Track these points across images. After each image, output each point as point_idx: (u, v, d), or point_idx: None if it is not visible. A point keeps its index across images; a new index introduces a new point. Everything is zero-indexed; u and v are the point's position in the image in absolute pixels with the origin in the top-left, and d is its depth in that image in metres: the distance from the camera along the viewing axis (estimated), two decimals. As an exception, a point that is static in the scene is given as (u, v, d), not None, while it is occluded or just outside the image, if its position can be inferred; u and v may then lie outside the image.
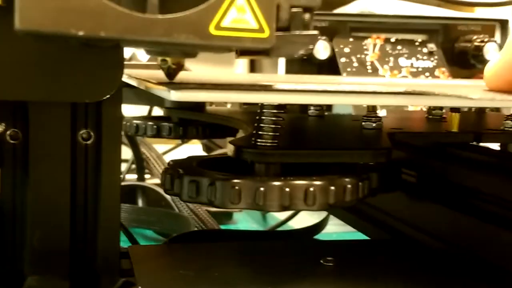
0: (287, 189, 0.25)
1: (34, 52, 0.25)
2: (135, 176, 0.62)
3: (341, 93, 0.24)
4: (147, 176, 0.63)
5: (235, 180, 0.25)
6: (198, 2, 0.19)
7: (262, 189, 0.25)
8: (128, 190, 0.56)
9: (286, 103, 0.26)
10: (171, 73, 0.22)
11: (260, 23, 0.19)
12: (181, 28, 0.18)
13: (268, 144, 0.27)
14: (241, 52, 0.22)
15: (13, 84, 0.25)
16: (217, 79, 0.31)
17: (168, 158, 0.66)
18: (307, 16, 0.20)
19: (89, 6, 0.18)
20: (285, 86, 0.23)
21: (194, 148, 0.70)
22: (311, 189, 0.25)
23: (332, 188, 0.25)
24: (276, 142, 0.27)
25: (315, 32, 0.20)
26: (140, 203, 0.57)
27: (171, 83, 0.23)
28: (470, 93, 0.24)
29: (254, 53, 0.21)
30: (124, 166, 0.63)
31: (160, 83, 0.23)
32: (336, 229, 0.56)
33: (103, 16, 0.18)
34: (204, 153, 0.72)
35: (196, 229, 0.52)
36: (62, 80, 0.25)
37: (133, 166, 0.62)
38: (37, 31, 0.17)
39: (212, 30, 0.19)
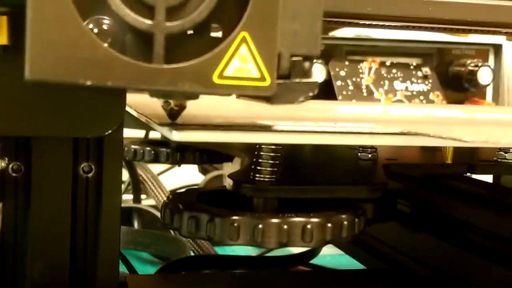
0: (285, 227, 0.25)
1: (37, 89, 0.25)
2: (130, 196, 0.62)
3: (338, 134, 0.24)
4: (143, 196, 0.63)
5: (234, 217, 0.25)
6: (202, 52, 0.19)
7: (260, 226, 0.25)
8: (124, 212, 0.57)
9: (285, 143, 0.27)
10: (173, 114, 0.23)
11: (261, 72, 0.20)
12: (185, 77, 0.19)
13: (266, 180, 0.28)
14: (241, 94, 0.23)
15: (16, 120, 0.25)
16: (215, 112, 0.32)
17: (164, 178, 0.67)
18: (307, 64, 0.21)
19: (97, 57, 0.18)
20: (284, 127, 0.24)
21: (189, 169, 0.71)
22: (309, 226, 0.25)
23: (329, 225, 0.26)
24: (274, 177, 0.28)
25: (315, 80, 0.21)
26: (136, 225, 0.57)
27: (172, 122, 0.24)
28: (464, 135, 0.25)
29: (255, 98, 0.22)
30: (120, 187, 0.63)
31: (162, 124, 0.23)
32: (330, 251, 0.56)
33: (110, 66, 0.18)
34: (200, 174, 0.73)
35: (191, 251, 0.52)
36: (64, 115, 0.26)
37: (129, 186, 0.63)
38: (46, 81, 0.18)
39: (215, 79, 0.19)
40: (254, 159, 0.28)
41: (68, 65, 0.18)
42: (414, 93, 0.71)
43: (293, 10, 0.20)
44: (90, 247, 0.28)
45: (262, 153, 0.28)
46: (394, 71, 0.72)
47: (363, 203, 0.31)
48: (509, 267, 0.31)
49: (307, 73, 0.21)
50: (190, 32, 0.20)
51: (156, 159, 0.45)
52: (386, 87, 0.70)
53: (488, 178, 0.42)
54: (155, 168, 0.65)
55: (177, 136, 0.22)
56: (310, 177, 0.32)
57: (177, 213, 0.27)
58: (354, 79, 0.69)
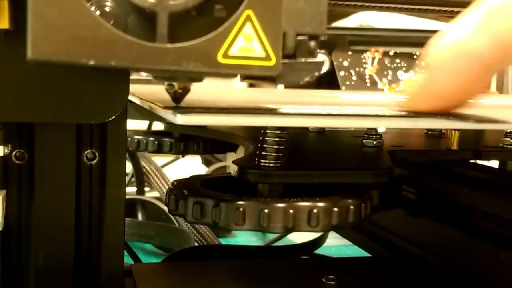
0: (291, 211, 0.25)
1: (40, 74, 0.25)
2: (134, 188, 0.62)
3: (344, 116, 0.24)
4: (146, 189, 0.63)
5: (240, 202, 0.25)
6: (206, 31, 0.19)
7: (266, 210, 0.25)
8: (128, 203, 0.56)
9: (290, 126, 0.27)
10: (177, 98, 0.23)
11: (267, 51, 0.19)
12: (189, 57, 0.19)
13: (271, 165, 0.27)
14: (246, 76, 0.22)
15: (19, 106, 0.25)
16: (220, 98, 0.31)
17: (167, 170, 0.67)
18: (312, 43, 0.20)
19: (100, 36, 0.18)
20: (290, 110, 0.23)
21: (193, 161, 0.70)
22: (315, 210, 0.25)
23: (336, 209, 0.26)
24: (279, 162, 0.28)
25: (321, 59, 0.20)
26: (139, 216, 0.57)
27: (177, 106, 0.24)
28: (471, 116, 0.25)
29: (259, 78, 0.22)
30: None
31: (166, 107, 0.23)
32: (336, 242, 0.56)
33: (113, 46, 0.18)
34: (203, 166, 0.72)
35: (195, 243, 0.52)
36: (68, 101, 0.26)
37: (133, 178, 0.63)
38: (48, 61, 0.18)
39: (220, 58, 0.19)
40: (259, 145, 0.28)
41: (70, 45, 0.18)
42: (418, 83, 0.71)
43: (298, -11, 0.20)
44: (95, 234, 0.28)
45: (266, 138, 0.27)
46: (397, 61, 0.71)
47: (369, 189, 0.31)
48: (517, 251, 0.30)
49: (312, 53, 0.20)
50: (193, 13, 0.19)
51: (159, 149, 0.44)
52: (389, 77, 0.70)
53: (494, 164, 0.42)
54: (159, 160, 0.65)
55: (181, 119, 0.22)
56: (315, 162, 0.32)
57: (182, 199, 0.26)
58: (357, 69, 0.69)
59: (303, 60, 0.20)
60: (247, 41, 0.19)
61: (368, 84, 0.68)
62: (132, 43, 0.18)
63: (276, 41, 0.19)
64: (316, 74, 0.20)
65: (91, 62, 0.18)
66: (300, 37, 0.20)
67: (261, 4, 0.19)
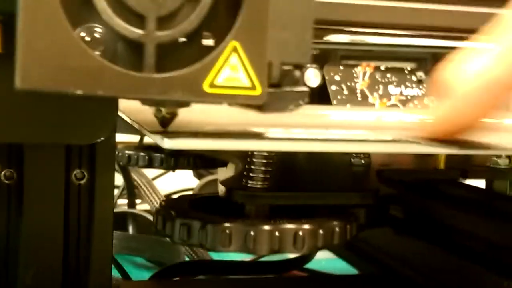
0: (277, 233, 0.25)
1: (29, 96, 0.25)
2: (125, 201, 0.62)
3: (330, 141, 0.24)
4: (138, 201, 0.63)
5: (226, 224, 0.25)
6: (193, 60, 0.19)
7: (252, 233, 0.25)
8: (119, 217, 0.57)
9: (277, 151, 0.27)
10: (165, 122, 0.23)
11: (252, 81, 0.20)
12: (176, 86, 0.19)
13: (258, 186, 0.28)
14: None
15: (8, 127, 0.25)
16: (207, 119, 0.32)
17: (159, 183, 0.67)
18: (297, 73, 0.21)
19: (88, 66, 0.18)
20: (276, 134, 0.24)
21: (184, 174, 0.70)
22: (300, 233, 0.26)
23: (321, 231, 0.26)
24: (266, 184, 0.28)
25: (305, 88, 0.21)
26: (130, 230, 0.57)
27: (165, 130, 0.24)
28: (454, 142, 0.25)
29: (246, 106, 0.22)
30: (115, 192, 0.63)
31: (154, 131, 0.23)
32: (326, 256, 0.56)
33: (101, 76, 0.18)
34: (195, 178, 0.73)
35: (186, 256, 0.52)
36: (57, 122, 0.26)
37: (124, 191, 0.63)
38: (37, 90, 0.18)
39: (206, 88, 0.19)
40: (247, 166, 0.28)
41: (58, 74, 0.18)
42: (409, 97, 0.71)
43: (283, 19, 0.20)
44: (82, 253, 0.28)
45: (254, 159, 0.28)
46: (388, 75, 0.72)
47: (355, 208, 0.31)
48: (502, 273, 0.31)
49: (297, 82, 0.21)
50: (181, 43, 0.20)
51: (150, 165, 0.45)
52: (380, 92, 0.70)
53: (481, 183, 0.42)
54: (150, 173, 0.65)
55: (168, 143, 0.22)
56: (303, 183, 0.32)
57: (169, 220, 0.27)
58: (348, 83, 0.69)
59: (288, 89, 0.21)
60: (233, 71, 0.20)
61: (360, 99, 0.69)
62: (119, 73, 0.19)
63: (262, 71, 0.20)
64: (301, 103, 0.21)
65: (79, 92, 0.18)
66: (285, 67, 0.20)
67: (246, 35, 0.19)
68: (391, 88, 0.71)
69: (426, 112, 0.25)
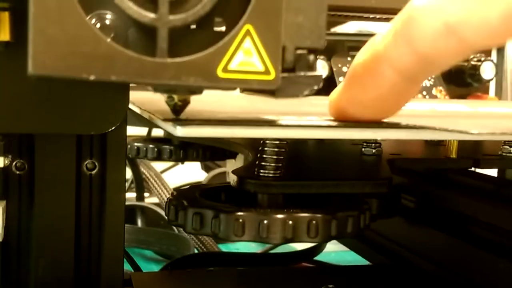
0: (290, 222, 0.25)
1: (40, 86, 0.25)
2: (134, 194, 0.62)
3: (343, 128, 0.24)
4: (146, 194, 0.63)
5: (239, 213, 0.25)
6: (206, 45, 0.19)
7: (265, 222, 0.25)
8: (127, 210, 0.56)
9: (289, 138, 0.27)
10: (177, 110, 0.23)
11: (266, 66, 0.19)
12: (189, 72, 0.19)
13: (270, 175, 0.27)
14: (245, 89, 0.22)
15: (19, 117, 0.25)
16: (219, 108, 0.31)
17: (167, 176, 0.67)
18: (311, 57, 0.20)
19: (100, 51, 0.18)
20: (289, 121, 0.23)
21: (192, 167, 0.70)
22: (314, 221, 0.25)
23: (335, 220, 0.26)
24: (278, 172, 0.28)
25: (320, 73, 0.20)
26: (139, 223, 0.57)
27: (176, 118, 0.24)
28: (469, 127, 0.25)
29: (258, 91, 0.22)
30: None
31: (166, 119, 0.23)
32: (335, 248, 0.56)
33: (113, 61, 0.18)
34: (203, 171, 0.72)
35: (195, 249, 0.52)
36: (67, 112, 0.26)
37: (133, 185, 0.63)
38: (49, 76, 0.18)
39: (219, 72, 0.19)
40: (258, 155, 0.28)
41: (71, 60, 0.18)
42: (417, 88, 0.71)
43: (297, 3, 0.20)
44: (94, 244, 0.28)
45: (266, 148, 0.27)
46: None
47: (368, 198, 0.31)
48: (515, 261, 0.30)
49: (311, 66, 0.20)
50: (193, 26, 0.19)
51: (159, 157, 0.45)
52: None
53: (493, 172, 0.42)
54: (158, 166, 0.65)
55: (181, 131, 0.22)
56: (315, 172, 0.32)
57: (181, 210, 0.26)
58: (356, 75, 0.69)
59: (302, 73, 0.20)
60: (246, 55, 0.19)
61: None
62: (132, 58, 0.18)
63: (275, 55, 0.19)
64: (315, 87, 0.20)
65: (92, 77, 0.18)
66: (299, 51, 0.20)
67: (260, 19, 0.19)
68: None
69: (331, 94, 0.24)
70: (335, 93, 0.24)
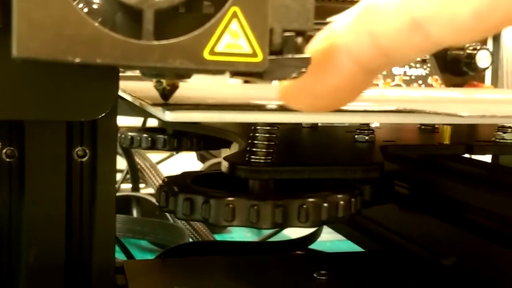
0: (281, 207, 0.25)
1: (29, 71, 0.25)
2: (129, 185, 0.62)
3: (333, 112, 0.24)
4: (141, 185, 0.63)
5: (229, 198, 0.25)
6: (192, 27, 0.19)
7: (255, 207, 0.25)
8: (122, 200, 0.56)
9: (279, 122, 0.27)
10: (166, 95, 0.23)
11: (253, 48, 0.19)
12: (176, 54, 0.19)
13: (261, 161, 0.27)
14: (234, 73, 0.22)
15: (8, 104, 0.25)
16: (210, 95, 0.31)
17: (162, 167, 0.67)
18: (299, 39, 0.20)
19: (85, 34, 0.18)
20: (278, 106, 0.23)
21: (188, 157, 0.70)
22: (304, 206, 0.25)
23: (325, 205, 0.26)
24: (269, 158, 0.28)
25: (308, 55, 0.20)
26: (134, 213, 0.57)
27: (166, 103, 0.24)
28: (460, 110, 0.25)
29: (247, 75, 0.22)
30: (118, 176, 0.63)
31: (155, 104, 0.23)
32: (330, 237, 0.56)
33: (99, 44, 0.18)
34: (199, 162, 0.72)
35: (190, 239, 0.52)
36: (57, 98, 0.26)
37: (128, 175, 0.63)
38: (34, 59, 0.18)
39: (206, 55, 0.19)
40: (250, 141, 0.28)
41: (56, 43, 0.18)
42: (413, 77, 0.70)
43: (285, -15, 0.20)
44: (85, 231, 0.28)
45: (257, 134, 0.27)
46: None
47: (361, 184, 0.31)
48: (508, 246, 0.31)
49: (299, 49, 0.20)
50: (180, 10, 0.19)
51: (153, 146, 0.44)
52: (384, 72, 0.70)
53: (487, 158, 0.42)
54: (154, 157, 0.65)
55: (170, 116, 0.22)
56: (307, 158, 0.32)
57: (172, 196, 0.26)
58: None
59: (290, 56, 0.20)
60: (233, 37, 0.19)
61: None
62: (117, 40, 0.18)
63: (263, 37, 0.19)
64: (304, 70, 0.20)
65: (77, 60, 0.18)
66: (287, 33, 0.20)
67: (247, 1, 0.19)
68: (395, 68, 0.71)
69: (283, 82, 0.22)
70: (287, 84, 0.22)
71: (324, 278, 0.30)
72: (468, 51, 0.71)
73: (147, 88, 0.32)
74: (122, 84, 0.27)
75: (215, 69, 0.19)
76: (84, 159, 0.28)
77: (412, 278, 0.32)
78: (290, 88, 0.22)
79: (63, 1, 0.18)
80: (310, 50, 0.21)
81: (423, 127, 0.43)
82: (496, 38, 0.75)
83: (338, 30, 0.21)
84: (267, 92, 0.38)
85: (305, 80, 0.21)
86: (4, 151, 0.27)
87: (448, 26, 0.18)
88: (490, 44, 0.75)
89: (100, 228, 0.28)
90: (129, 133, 0.45)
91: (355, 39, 0.20)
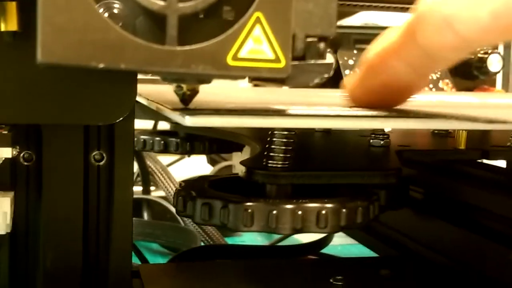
0: (300, 212, 0.25)
1: (48, 76, 0.25)
2: (140, 188, 0.62)
3: (352, 118, 0.24)
4: (152, 188, 0.63)
5: (248, 203, 0.25)
6: (215, 33, 0.19)
7: (274, 212, 0.25)
8: (133, 203, 0.56)
9: (299, 128, 0.26)
10: (186, 99, 0.22)
11: (276, 53, 0.19)
12: (199, 59, 0.19)
13: (279, 166, 0.27)
14: (255, 78, 0.22)
15: (27, 108, 0.25)
16: (227, 98, 0.31)
17: (173, 170, 0.66)
18: (321, 45, 0.20)
19: (109, 39, 0.18)
20: (298, 111, 0.23)
21: (198, 160, 0.70)
22: (323, 212, 0.25)
23: (344, 210, 0.26)
24: (287, 163, 0.27)
25: (330, 61, 0.20)
26: (145, 216, 0.57)
27: (185, 107, 0.24)
28: (480, 115, 0.24)
29: (269, 80, 0.22)
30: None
31: (175, 108, 0.23)
32: (342, 241, 0.56)
33: (122, 49, 0.18)
34: (209, 165, 0.72)
35: (201, 242, 0.52)
36: (75, 102, 0.26)
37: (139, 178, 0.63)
38: (58, 64, 0.18)
39: (229, 61, 0.19)
40: (267, 145, 0.28)
41: (80, 48, 0.18)
42: (423, 81, 0.70)
43: (307, -10, 0.20)
44: (102, 235, 0.28)
45: (274, 138, 0.27)
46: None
47: (376, 189, 0.31)
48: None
49: (322, 54, 0.20)
50: (203, 15, 0.19)
51: (165, 149, 0.44)
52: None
53: (502, 163, 0.42)
54: (164, 159, 0.65)
55: (190, 121, 0.21)
56: (323, 163, 0.32)
57: (190, 200, 0.26)
58: (362, 67, 0.69)
59: (312, 61, 0.20)
60: (256, 43, 0.19)
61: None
62: (141, 45, 0.18)
63: (286, 43, 0.19)
64: (326, 76, 0.20)
65: (101, 65, 0.18)
66: (309, 39, 0.20)
67: (270, 6, 0.19)
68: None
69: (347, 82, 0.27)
70: (350, 80, 0.26)
71: (340, 283, 0.30)
72: (479, 55, 0.71)
73: (162, 91, 0.32)
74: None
75: (239, 75, 0.19)
76: (101, 163, 0.28)
77: (427, 284, 0.31)
78: (355, 87, 0.25)
79: (87, 6, 0.18)
80: (370, 52, 0.25)
81: (437, 131, 0.43)
82: (507, 42, 0.75)
83: (392, 33, 0.24)
84: (284, 96, 0.38)
85: (362, 75, 0.25)
86: (21, 155, 0.27)
87: (471, 25, 0.20)
88: (501, 48, 0.74)
89: (117, 233, 0.28)
90: (142, 136, 0.45)
91: (402, 42, 0.23)
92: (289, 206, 0.25)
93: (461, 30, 0.21)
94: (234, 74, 0.19)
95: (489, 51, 0.71)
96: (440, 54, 0.22)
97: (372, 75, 0.24)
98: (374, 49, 0.24)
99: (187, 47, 0.19)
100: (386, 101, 0.25)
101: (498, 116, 0.25)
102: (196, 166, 0.71)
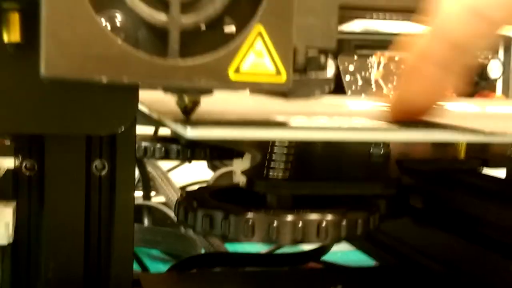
0: (300, 224, 0.25)
1: (50, 87, 0.25)
2: (140, 193, 0.62)
3: (354, 130, 0.24)
4: (153, 193, 0.63)
5: (249, 215, 0.25)
6: (215, 46, 0.19)
7: (275, 223, 0.25)
8: (134, 209, 0.56)
9: (300, 140, 0.27)
10: (187, 111, 0.23)
11: (277, 67, 0.19)
12: (201, 73, 0.19)
13: (279, 176, 0.27)
14: (256, 90, 0.22)
15: (29, 118, 0.25)
16: (227, 108, 0.31)
17: (174, 175, 0.66)
18: (323, 58, 0.20)
19: (112, 53, 0.18)
20: (300, 123, 0.23)
21: (199, 166, 0.70)
22: (324, 223, 0.25)
23: (344, 222, 0.26)
24: (287, 174, 0.28)
25: (331, 76, 0.20)
26: (146, 222, 0.57)
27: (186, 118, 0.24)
28: (480, 127, 0.24)
29: (270, 93, 0.22)
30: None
31: (176, 119, 0.23)
32: (342, 248, 0.56)
33: (125, 63, 0.18)
34: (209, 170, 0.72)
35: (202, 249, 0.52)
36: (77, 113, 0.26)
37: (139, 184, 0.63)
38: (62, 78, 0.18)
39: (231, 74, 0.19)
40: (267, 156, 0.28)
41: (83, 62, 0.18)
42: (423, 87, 0.70)
43: (309, 4, 0.20)
44: (104, 245, 0.28)
45: (275, 149, 0.27)
46: (403, 66, 0.71)
47: (376, 199, 0.31)
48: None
49: (323, 67, 0.20)
50: (204, 28, 0.19)
51: (166, 156, 0.45)
52: (395, 82, 0.70)
53: (502, 173, 0.42)
54: (165, 164, 0.65)
55: (191, 133, 0.22)
56: (323, 173, 0.32)
57: (191, 211, 0.26)
58: (363, 73, 0.69)
59: (313, 75, 0.20)
60: (258, 57, 0.19)
61: (374, 89, 0.68)
62: (143, 59, 0.18)
63: (287, 56, 0.19)
64: (327, 90, 0.20)
65: (104, 79, 0.18)
66: (310, 52, 0.20)
67: (271, 20, 0.19)
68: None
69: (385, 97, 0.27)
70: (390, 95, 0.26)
71: (340, 293, 0.30)
72: (479, 61, 0.71)
73: (162, 98, 0.32)
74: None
75: (240, 88, 0.19)
76: (103, 173, 0.28)
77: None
78: (395, 100, 0.25)
79: (90, 21, 0.18)
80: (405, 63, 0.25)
81: (436, 139, 0.43)
82: (508, 48, 0.75)
83: (417, 38, 0.24)
84: (285, 104, 0.38)
85: (406, 91, 0.25)
86: (24, 164, 0.27)
87: (498, 5, 0.22)
88: (501, 53, 0.75)
89: (118, 242, 0.28)
90: (143, 143, 0.45)
91: (428, 42, 0.23)
92: (289, 218, 0.25)
93: (488, 14, 0.21)
94: (236, 87, 0.19)
95: (489, 57, 0.71)
96: (471, 43, 0.23)
97: (407, 83, 0.25)
98: (407, 60, 0.25)
99: (189, 61, 0.19)
100: (424, 105, 0.25)
101: (499, 127, 0.25)
102: (197, 171, 0.71)
